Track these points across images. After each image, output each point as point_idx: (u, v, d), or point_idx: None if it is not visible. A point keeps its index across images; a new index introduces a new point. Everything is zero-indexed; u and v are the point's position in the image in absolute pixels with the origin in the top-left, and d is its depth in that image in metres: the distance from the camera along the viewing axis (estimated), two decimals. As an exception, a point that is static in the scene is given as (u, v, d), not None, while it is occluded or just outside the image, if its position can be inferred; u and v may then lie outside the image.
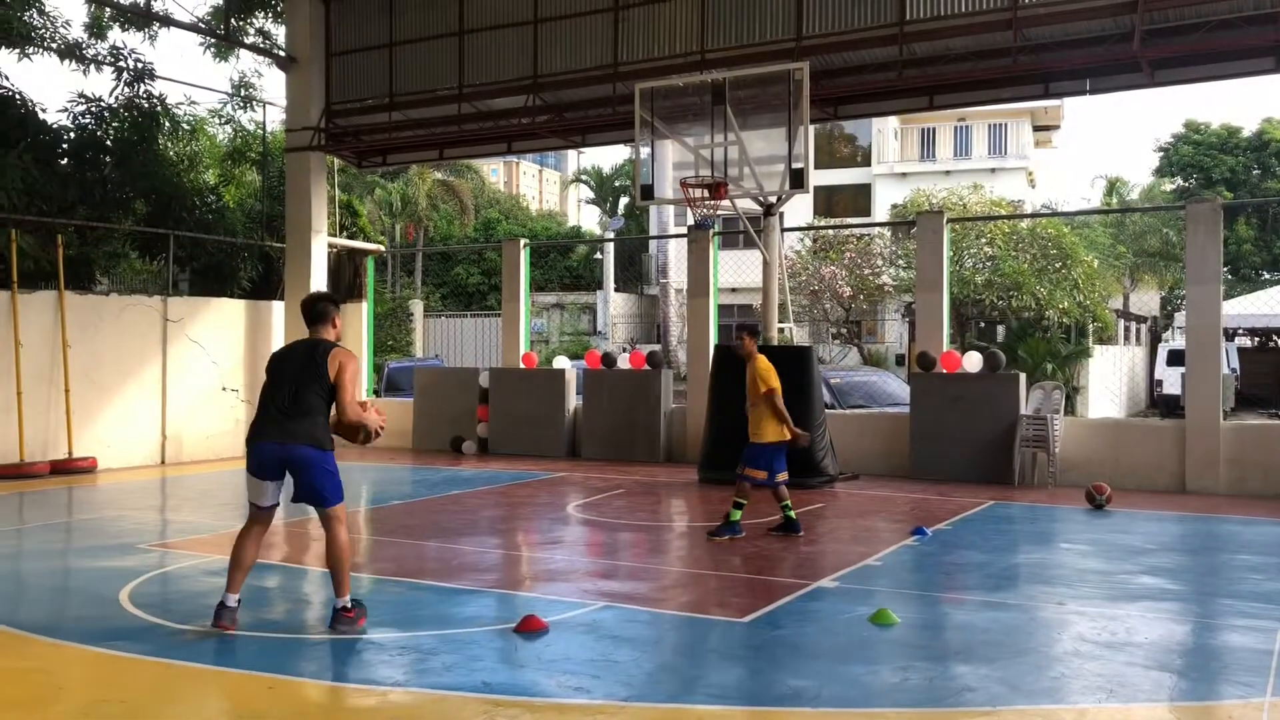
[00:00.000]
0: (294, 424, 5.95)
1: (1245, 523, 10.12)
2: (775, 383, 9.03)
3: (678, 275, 31.43)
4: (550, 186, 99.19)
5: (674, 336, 33.15)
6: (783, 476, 9.14)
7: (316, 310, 6.28)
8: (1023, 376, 13.23)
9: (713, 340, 14.90)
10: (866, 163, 41.82)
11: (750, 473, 9.04)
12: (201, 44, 19.45)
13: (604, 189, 52.27)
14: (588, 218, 66.47)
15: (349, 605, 6.00)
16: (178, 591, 7.33)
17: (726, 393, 12.98)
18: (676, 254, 32.64)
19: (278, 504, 6.23)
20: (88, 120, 17.00)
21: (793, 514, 9.20)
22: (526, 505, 11.29)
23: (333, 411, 6.06)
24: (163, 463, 15.24)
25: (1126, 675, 5.24)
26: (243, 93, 20.26)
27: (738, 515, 9.02)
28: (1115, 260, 34.77)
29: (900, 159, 41.98)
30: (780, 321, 13.50)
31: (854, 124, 39.75)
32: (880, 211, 39.25)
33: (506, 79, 15.92)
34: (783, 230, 14.70)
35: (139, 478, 13.73)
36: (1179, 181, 44.40)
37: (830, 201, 41.08)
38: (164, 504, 12.00)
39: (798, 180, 12.45)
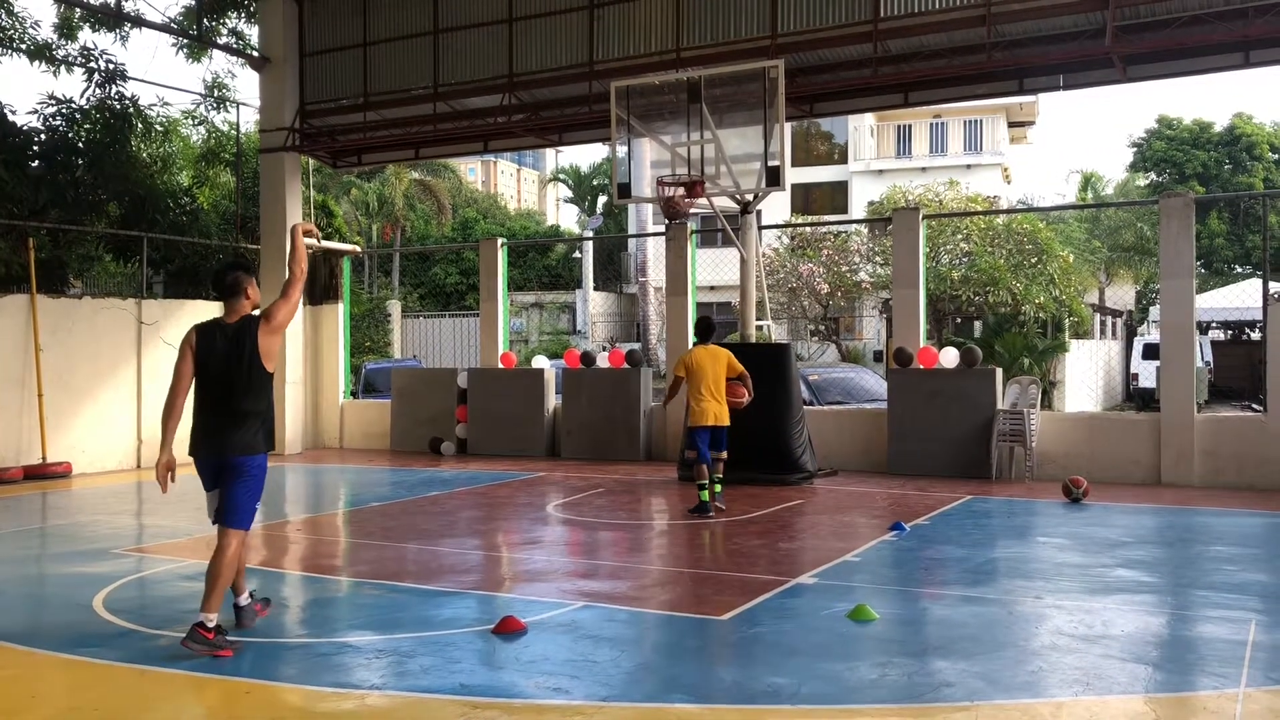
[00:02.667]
0: (225, 434, 5.77)
1: (1219, 514, 10.21)
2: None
3: (656, 274, 31.43)
4: (528, 185, 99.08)
5: (653, 335, 33.15)
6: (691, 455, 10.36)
7: (227, 282, 5.91)
8: (999, 371, 13.30)
9: (691, 339, 14.88)
10: (843, 160, 41.92)
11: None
12: (174, 44, 19.30)
13: (582, 188, 52.21)
14: (566, 216, 66.44)
15: (209, 625, 5.50)
16: (153, 597, 7.27)
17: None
18: (655, 252, 32.63)
19: None
20: (59, 122, 16.86)
21: (706, 496, 10.09)
22: (506, 506, 11.26)
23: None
24: (138, 467, 15.11)
25: (1103, 668, 5.27)
26: (216, 93, 20.12)
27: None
28: (1090, 255, 35.01)
29: (877, 156, 42.10)
30: (758, 319, 13.52)
31: (830, 121, 39.84)
32: (857, 208, 39.35)
33: (482, 78, 15.89)
34: (760, 228, 14.72)
35: (114, 482, 13.62)
36: (1153, 176, 44.75)
37: (807, 199, 41.15)
38: (139, 508, 11.90)
39: (774, 178, 12.47)
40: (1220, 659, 5.41)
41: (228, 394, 5.78)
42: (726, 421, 10.27)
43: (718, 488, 10.35)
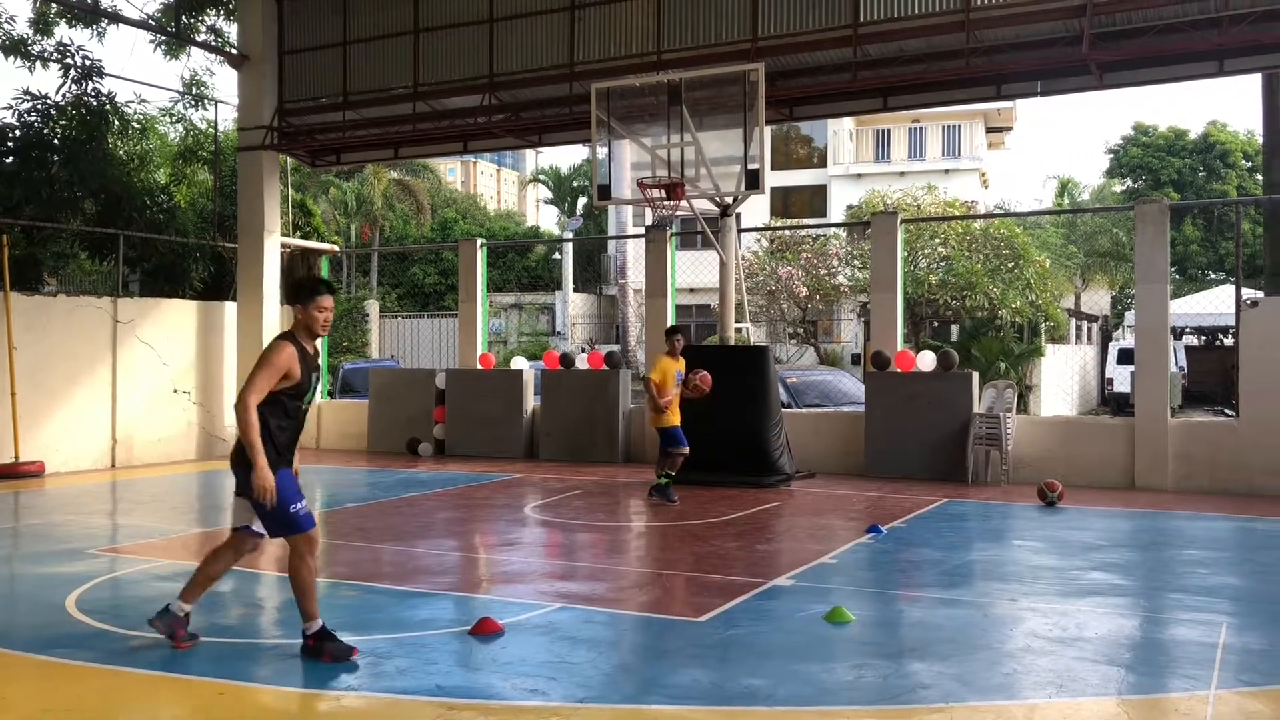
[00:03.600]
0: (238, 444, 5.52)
1: (1192, 518, 10.31)
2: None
3: (636, 275, 31.45)
4: (508, 186, 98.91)
5: (632, 337, 33.17)
6: None
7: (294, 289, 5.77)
8: (976, 375, 13.39)
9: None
10: (822, 164, 42.09)
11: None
12: (152, 41, 19.16)
13: (562, 189, 52.19)
14: (546, 218, 66.34)
15: (310, 632, 5.52)
16: (127, 597, 7.20)
17: (684, 393, 13.04)
18: (635, 254, 32.66)
19: (259, 534, 5.69)
20: (34, 118, 16.70)
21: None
22: (484, 507, 11.24)
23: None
24: (113, 466, 15.00)
25: (1076, 670, 5.32)
26: (194, 91, 20.00)
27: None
28: (1067, 260, 35.25)
29: (855, 160, 42.31)
30: (737, 321, 13.54)
31: (810, 125, 40.05)
32: (836, 212, 39.50)
33: (462, 78, 15.84)
34: (739, 231, 14.75)
35: (88, 482, 13.51)
36: (1128, 183, 45.13)
37: (787, 202, 41.30)
38: (114, 508, 11.81)
39: (753, 181, 12.50)
40: (1192, 661, 5.47)
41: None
42: (653, 424, 11.54)
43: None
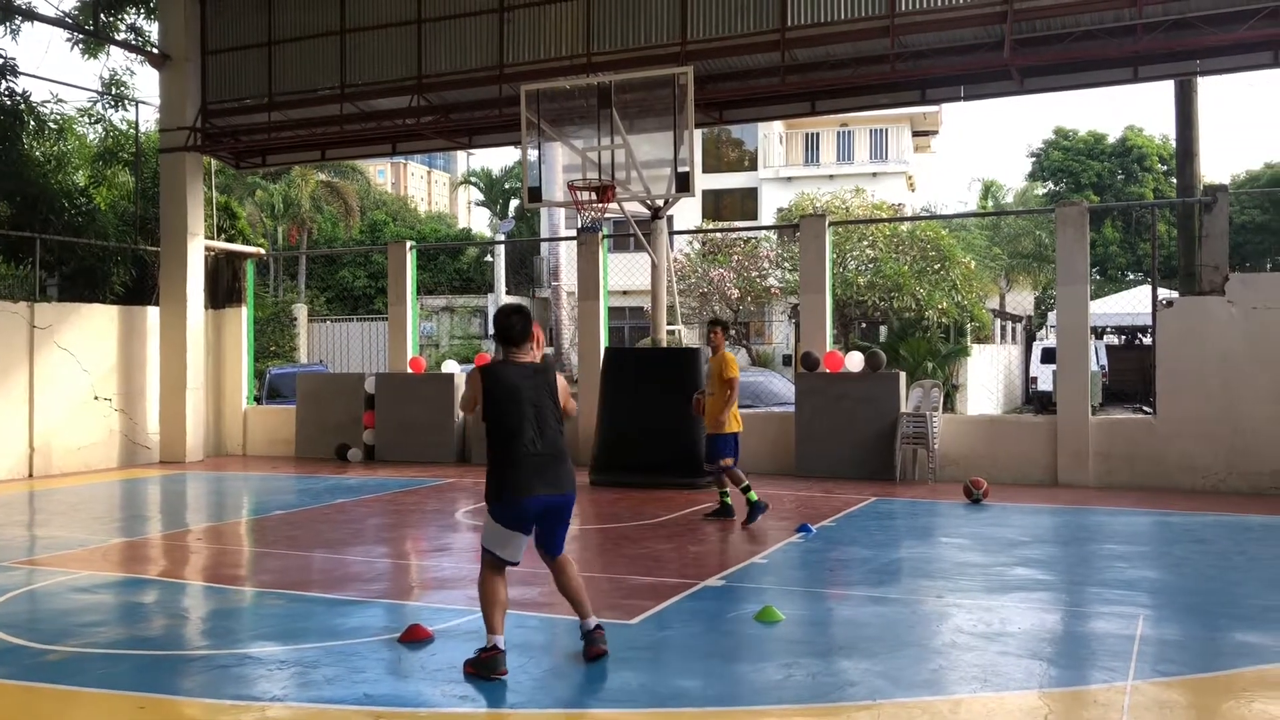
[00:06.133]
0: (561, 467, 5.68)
1: (1112, 513, 10.57)
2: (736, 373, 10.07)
3: (569, 278, 31.37)
4: (439, 188, 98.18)
5: (566, 339, 33.06)
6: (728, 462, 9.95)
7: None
8: (903, 375, 13.58)
9: (603, 343, 14.91)
10: (753, 167, 42.37)
11: (726, 462, 9.90)
12: (68, 40, 18.67)
13: (494, 191, 51.88)
14: (478, 220, 65.91)
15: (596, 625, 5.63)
16: (45, 610, 7.02)
17: (617, 396, 13.03)
18: (567, 257, 32.56)
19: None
20: (-56, 118, 16.19)
21: (729, 500, 10.10)
22: (414, 513, 11.13)
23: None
24: (30, 476, 14.58)
25: (1000, 665, 5.42)
26: (114, 91, 19.53)
27: (754, 495, 9.87)
28: (991, 261, 35.92)
29: (786, 163, 42.65)
30: (669, 324, 13.59)
31: (740, 129, 40.27)
32: (767, 215, 39.81)
33: (390, 79, 15.68)
34: (671, 233, 14.80)
35: (4, 492, 13.11)
36: (1050, 185, 46.14)
37: (718, 205, 41.51)
38: (31, 519, 11.47)
39: (683, 184, 12.55)
40: (1110, 653, 5.60)
41: None
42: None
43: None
